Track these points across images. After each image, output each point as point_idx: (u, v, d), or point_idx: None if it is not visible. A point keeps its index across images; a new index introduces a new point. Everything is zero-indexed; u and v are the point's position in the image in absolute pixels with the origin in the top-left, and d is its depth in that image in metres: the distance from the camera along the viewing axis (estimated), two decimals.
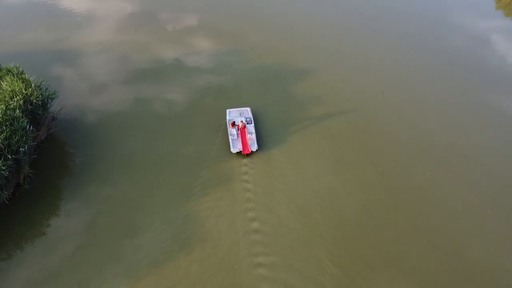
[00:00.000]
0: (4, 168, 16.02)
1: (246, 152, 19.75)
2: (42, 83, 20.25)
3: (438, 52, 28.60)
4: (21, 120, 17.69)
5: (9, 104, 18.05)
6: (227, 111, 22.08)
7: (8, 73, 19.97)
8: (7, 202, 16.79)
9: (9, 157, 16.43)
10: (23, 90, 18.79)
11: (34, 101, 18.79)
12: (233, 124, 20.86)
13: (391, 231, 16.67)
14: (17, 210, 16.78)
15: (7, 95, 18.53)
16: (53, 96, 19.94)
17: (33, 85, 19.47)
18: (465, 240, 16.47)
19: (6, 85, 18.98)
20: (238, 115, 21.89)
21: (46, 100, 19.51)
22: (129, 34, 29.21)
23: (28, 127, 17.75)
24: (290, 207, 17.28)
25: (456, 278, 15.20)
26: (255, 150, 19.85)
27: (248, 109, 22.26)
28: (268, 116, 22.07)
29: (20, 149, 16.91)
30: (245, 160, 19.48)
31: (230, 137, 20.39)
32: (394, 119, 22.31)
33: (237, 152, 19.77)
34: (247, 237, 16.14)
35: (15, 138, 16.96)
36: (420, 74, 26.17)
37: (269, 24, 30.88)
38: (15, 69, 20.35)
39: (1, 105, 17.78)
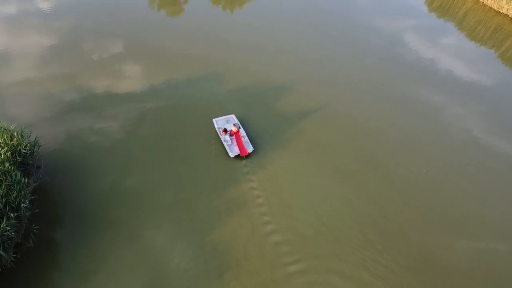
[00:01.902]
0: (9, 228, 14.61)
1: (244, 154, 20.72)
2: (24, 131, 18.73)
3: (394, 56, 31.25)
4: (13, 174, 16.30)
5: None
6: (213, 120, 22.71)
7: None
8: (13, 265, 15.22)
9: (12, 215, 15.02)
10: (8, 141, 17.34)
11: (23, 151, 17.40)
12: (225, 130, 21.62)
13: (409, 227, 17.83)
14: (24, 273, 15.24)
15: None
16: (38, 144, 18.55)
17: (15, 133, 18.02)
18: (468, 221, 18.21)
19: None
20: (226, 122, 22.71)
21: (33, 149, 18.10)
22: (53, 68, 26.95)
23: (23, 180, 16.36)
24: (308, 215, 17.79)
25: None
26: (251, 151, 20.87)
27: (233, 115, 23.17)
28: (255, 126, 22.51)
29: (22, 205, 15.52)
30: (244, 161, 20.53)
31: (225, 144, 21.20)
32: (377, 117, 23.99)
33: (235, 156, 20.65)
34: (273, 249, 16.35)
35: (12, 194, 15.55)
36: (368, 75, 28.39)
37: (229, 45, 31.39)
38: None
39: None
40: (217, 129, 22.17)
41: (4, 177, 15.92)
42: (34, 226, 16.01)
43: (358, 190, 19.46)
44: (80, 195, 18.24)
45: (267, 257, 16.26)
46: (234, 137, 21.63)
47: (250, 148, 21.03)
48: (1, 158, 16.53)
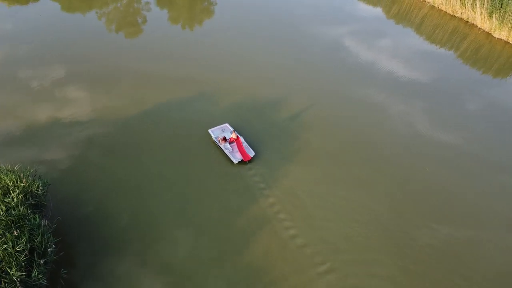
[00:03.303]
0: (40, 276, 13.76)
1: (247, 159, 21.34)
2: (30, 170, 17.67)
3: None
4: (31, 217, 15.38)
5: (8, 203, 15.56)
6: (209, 131, 22.91)
7: None
8: None
9: (41, 262, 14.15)
10: (18, 182, 16.34)
11: (36, 192, 16.45)
12: (224, 139, 21.96)
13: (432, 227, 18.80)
14: None
15: None
16: (48, 183, 17.57)
17: (21, 174, 16.99)
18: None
19: None
20: (221, 131, 23.04)
21: (45, 189, 17.14)
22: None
23: (43, 222, 15.46)
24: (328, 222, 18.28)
25: None
26: (253, 156, 21.55)
27: (227, 124, 23.60)
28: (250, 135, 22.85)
29: (48, 249, 14.66)
30: (249, 165, 21.30)
31: (226, 152, 21.69)
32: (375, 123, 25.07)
33: (238, 162, 21.24)
34: (306, 260, 16.56)
35: (36, 239, 14.67)
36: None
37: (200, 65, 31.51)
38: None
39: None
40: (214, 139, 22.51)
41: (22, 222, 15.04)
42: (63, 270, 15.12)
43: (372, 194, 20.24)
44: (95, 231, 17.52)
45: (303, 267, 16.55)
46: (234, 144, 22.09)
47: (251, 153, 21.69)
48: (14, 202, 15.59)
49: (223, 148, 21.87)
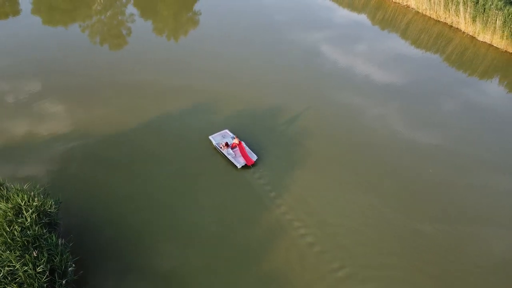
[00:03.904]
0: None
1: (250, 163, 21.67)
2: (40, 188, 17.22)
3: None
4: (47, 236, 15.01)
5: (22, 223, 15.14)
6: (210, 138, 23.04)
7: None
8: None
9: (63, 282, 13.79)
10: (30, 202, 15.92)
11: (49, 210, 16.05)
12: (227, 144, 22.33)
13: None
14: None
15: (9, 213, 15.47)
16: (60, 201, 17.16)
17: (32, 193, 16.56)
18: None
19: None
20: (222, 137, 23.21)
21: (58, 207, 16.74)
22: None
23: (60, 241, 15.09)
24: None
25: None
26: (256, 159, 21.91)
27: (227, 130, 23.80)
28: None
29: (69, 269, 14.31)
30: (253, 169, 21.62)
31: (229, 157, 21.96)
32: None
33: (242, 166, 21.55)
34: (325, 265, 16.71)
35: (56, 259, 14.30)
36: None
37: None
38: None
39: (12, 226, 14.84)
40: (216, 145, 22.70)
41: (39, 242, 14.65)
42: None
43: (379, 197, 20.59)
44: (111, 248, 17.21)
45: (323, 273, 16.72)
46: (237, 149, 22.36)
47: (254, 157, 22.03)
48: (29, 222, 15.18)
49: (225, 154, 22.12)
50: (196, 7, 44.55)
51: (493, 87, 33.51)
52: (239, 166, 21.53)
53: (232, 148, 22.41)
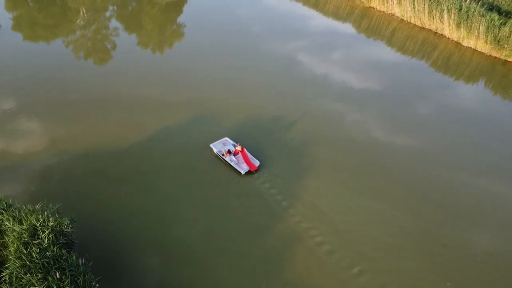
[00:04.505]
0: None
1: (254, 169, 21.89)
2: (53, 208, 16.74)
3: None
4: (67, 257, 14.60)
5: (40, 244, 14.70)
6: (211, 145, 23.16)
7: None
8: None
9: None
10: (46, 222, 15.48)
11: (65, 230, 15.64)
12: (229, 152, 22.48)
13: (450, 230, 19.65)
14: None
15: (24, 235, 15.01)
16: (74, 220, 16.73)
17: (46, 213, 16.11)
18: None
19: (13, 224, 15.32)
20: (223, 145, 23.34)
21: (73, 226, 16.30)
22: None
23: (80, 261, 14.71)
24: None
25: None
26: (258, 165, 22.10)
27: (227, 138, 24.00)
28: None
29: None
30: (257, 174, 21.85)
31: (232, 164, 22.11)
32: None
33: (245, 172, 21.69)
34: (345, 271, 16.84)
35: (78, 280, 13.92)
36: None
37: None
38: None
39: (29, 248, 14.40)
40: (217, 153, 22.81)
41: (59, 263, 14.24)
42: None
43: (390, 202, 20.92)
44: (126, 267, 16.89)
45: (345, 280, 16.87)
46: (239, 155, 22.52)
47: (257, 163, 22.24)
48: (46, 243, 14.75)
49: (228, 161, 22.21)
50: (180, 19, 44.58)
51: (479, 90, 34.85)
52: (242, 172, 21.63)
53: (234, 155, 22.56)
